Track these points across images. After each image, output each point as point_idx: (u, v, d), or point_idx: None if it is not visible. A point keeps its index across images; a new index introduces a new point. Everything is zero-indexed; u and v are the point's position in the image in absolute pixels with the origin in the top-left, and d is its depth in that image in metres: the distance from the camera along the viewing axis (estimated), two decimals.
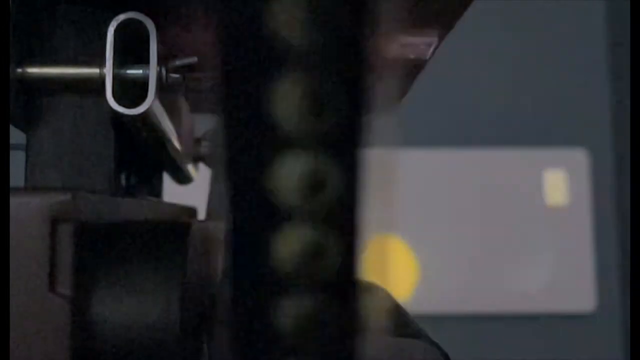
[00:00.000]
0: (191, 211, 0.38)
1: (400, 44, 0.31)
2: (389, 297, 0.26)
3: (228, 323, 0.11)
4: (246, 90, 0.10)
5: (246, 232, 0.11)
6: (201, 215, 0.39)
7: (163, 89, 0.26)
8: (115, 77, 0.25)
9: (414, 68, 0.34)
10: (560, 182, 1.18)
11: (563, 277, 1.16)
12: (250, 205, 0.11)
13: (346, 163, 0.10)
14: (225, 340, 0.11)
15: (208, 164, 0.42)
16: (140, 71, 0.25)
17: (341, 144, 0.10)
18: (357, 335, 0.11)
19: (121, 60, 0.25)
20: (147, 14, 0.25)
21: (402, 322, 0.24)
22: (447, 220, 1.19)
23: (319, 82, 0.10)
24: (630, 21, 0.47)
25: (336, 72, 0.10)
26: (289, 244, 0.11)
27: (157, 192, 0.37)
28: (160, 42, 0.25)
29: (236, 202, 0.11)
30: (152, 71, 0.25)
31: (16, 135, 0.25)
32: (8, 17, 0.22)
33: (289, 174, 0.10)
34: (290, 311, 0.11)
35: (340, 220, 0.11)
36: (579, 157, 1.18)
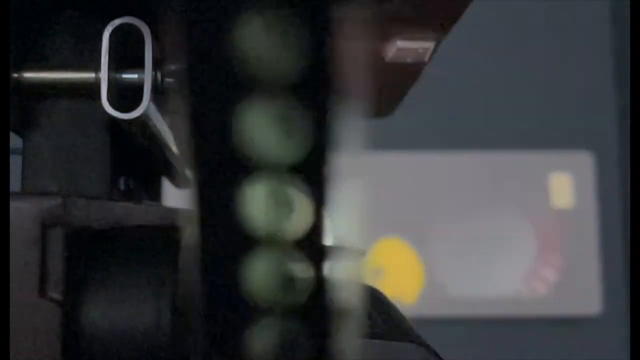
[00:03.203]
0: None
1: (397, 48, 0.31)
2: (384, 299, 0.26)
3: (198, 289, 0.11)
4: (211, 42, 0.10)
5: (212, 188, 0.11)
6: None
7: (158, 93, 0.26)
8: (110, 82, 0.25)
9: (413, 71, 0.34)
10: (566, 185, 1.18)
11: (568, 280, 1.16)
12: (216, 159, 0.11)
13: (315, 114, 0.10)
14: (196, 306, 0.11)
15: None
16: (136, 75, 0.25)
17: (312, 90, 0.10)
18: (327, 295, 0.11)
19: (116, 65, 0.25)
20: (143, 19, 0.25)
21: (395, 325, 0.24)
22: (452, 223, 1.19)
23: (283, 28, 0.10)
24: (631, 21, 0.47)
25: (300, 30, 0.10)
26: (256, 200, 0.11)
27: (157, 196, 0.37)
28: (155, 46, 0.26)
29: (203, 159, 0.11)
30: (148, 76, 0.25)
31: (12, 140, 0.25)
32: (8, 23, 0.22)
33: (256, 126, 0.10)
34: (260, 273, 0.11)
35: (308, 174, 0.11)
36: (585, 160, 1.18)
